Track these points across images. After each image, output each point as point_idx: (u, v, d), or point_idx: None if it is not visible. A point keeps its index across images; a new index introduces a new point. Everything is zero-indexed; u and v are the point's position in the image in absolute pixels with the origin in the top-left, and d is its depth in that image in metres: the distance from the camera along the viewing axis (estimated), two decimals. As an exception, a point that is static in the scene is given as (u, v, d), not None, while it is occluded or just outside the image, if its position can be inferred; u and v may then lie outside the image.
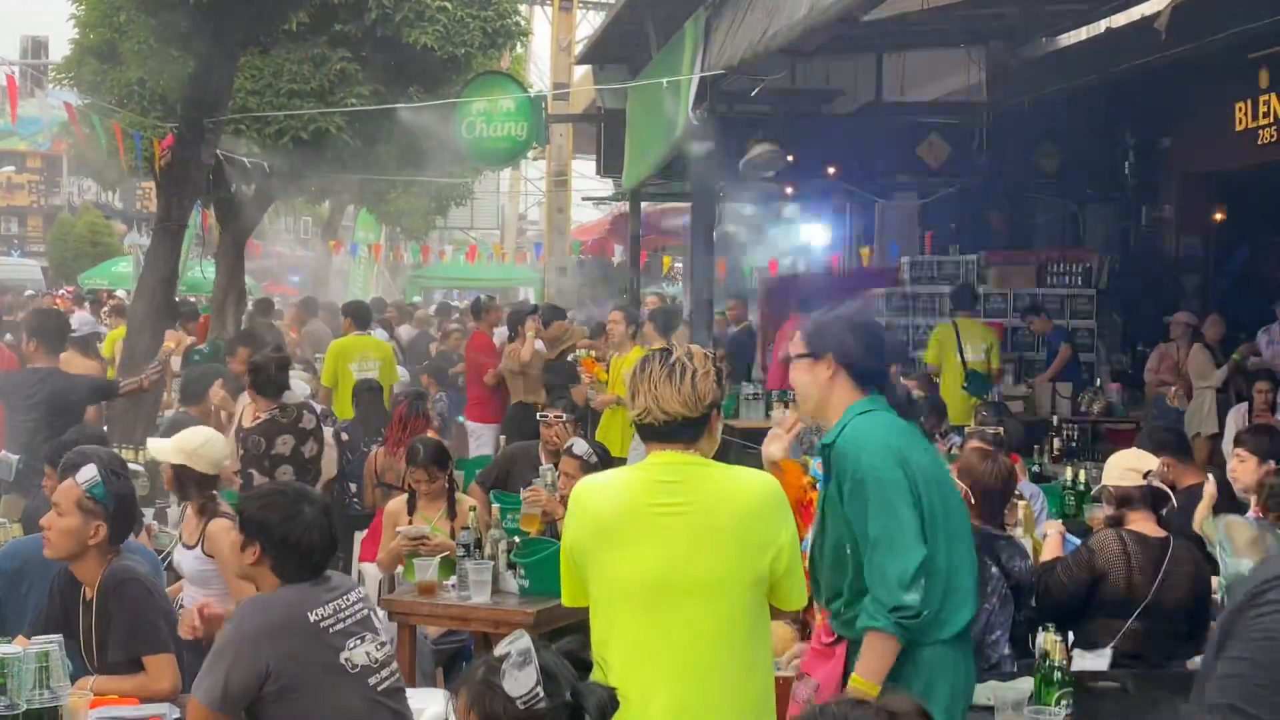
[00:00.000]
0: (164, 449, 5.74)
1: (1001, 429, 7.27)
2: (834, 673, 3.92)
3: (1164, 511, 5.42)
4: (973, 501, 4.93)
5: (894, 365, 4.29)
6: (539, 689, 2.62)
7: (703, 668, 3.48)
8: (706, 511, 3.52)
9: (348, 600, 4.05)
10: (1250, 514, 5.85)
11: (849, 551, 3.85)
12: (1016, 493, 6.56)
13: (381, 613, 6.69)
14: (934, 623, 3.77)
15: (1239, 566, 5.48)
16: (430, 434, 8.25)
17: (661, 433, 3.54)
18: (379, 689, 4.03)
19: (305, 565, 4.03)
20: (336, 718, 3.90)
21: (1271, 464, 6.35)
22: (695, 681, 3.47)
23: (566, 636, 3.02)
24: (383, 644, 4.08)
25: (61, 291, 27.52)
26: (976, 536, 4.81)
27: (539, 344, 11.75)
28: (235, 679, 3.81)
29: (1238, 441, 6.71)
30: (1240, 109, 12.05)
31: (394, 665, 4.16)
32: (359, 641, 3.99)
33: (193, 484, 5.64)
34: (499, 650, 2.72)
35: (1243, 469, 6.41)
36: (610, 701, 2.71)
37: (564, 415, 8.08)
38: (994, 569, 5.10)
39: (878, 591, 3.72)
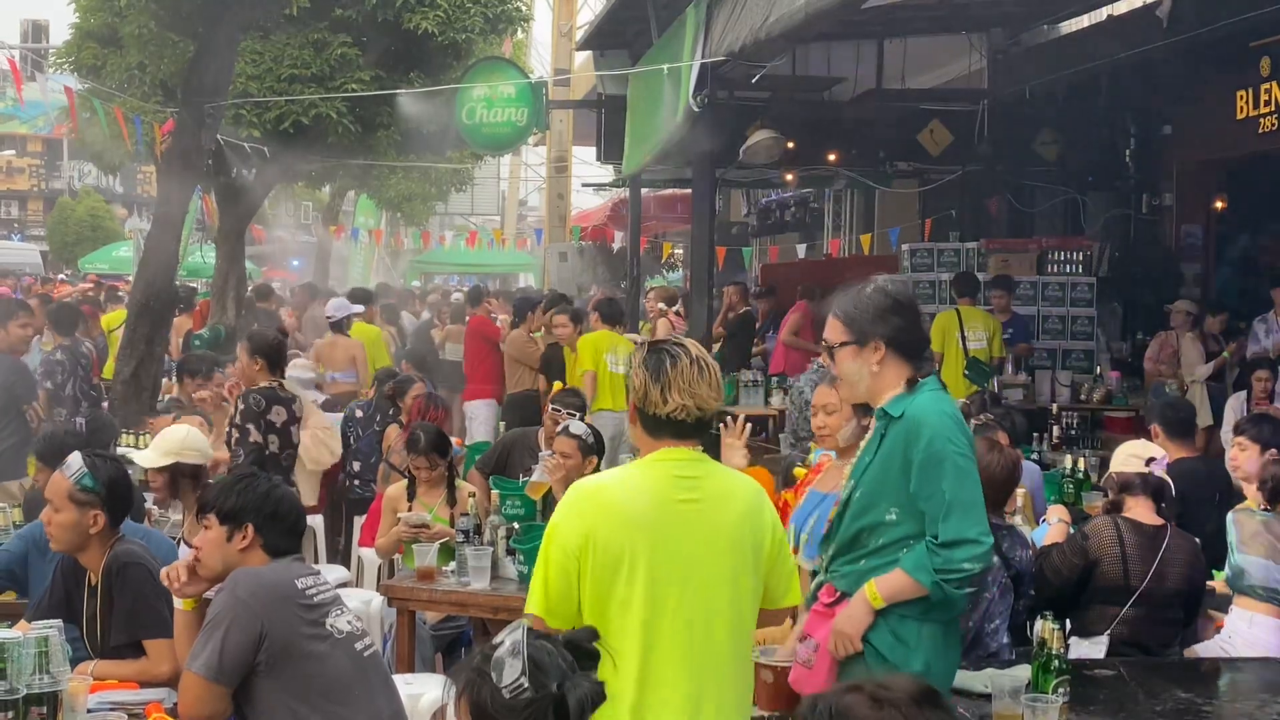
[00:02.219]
0: (149, 456, 5.77)
1: (1005, 437, 7.17)
2: (824, 631, 4.00)
3: (1163, 504, 5.43)
4: None
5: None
6: (524, 679, 2.64)
7: (719, 659, 3.50)
8: (719, 507, 3.53)
9: (320, 578, 4.17)
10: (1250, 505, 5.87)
11: (888, 517, 3.95)
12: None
13: (378, 598, 6.75)
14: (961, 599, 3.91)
15: (1244, 562, 5.52)
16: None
17: (687, 429, 3.51)
18: (364, 654, 4.10)
19: (293, 534, 4.18)
20: (329, 681, 3.95)
21: (1273, 452, 6.36)
22: (713, 672, 3.49)
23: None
24: (355, 621, 4.15)
25: (60, 276, 27.54)
26: None
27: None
28: (231, 645, 3.83)
29: (1238, 430, 6.72)
30: (1241, 97, 12.03)
31: (371, 639, 4.23)
32: (340, 611, 4.09)
33: (186, 479, 5.67)
34: (497, 639, 2.74)
35: (1244, 457, 6.44)
36: (595, 697, 2.72)
37: (565, 411, 8.09)
38: (994, 558, 5.10)
39: (941, 552, 3.83)
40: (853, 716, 2.12)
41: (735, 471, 3.77)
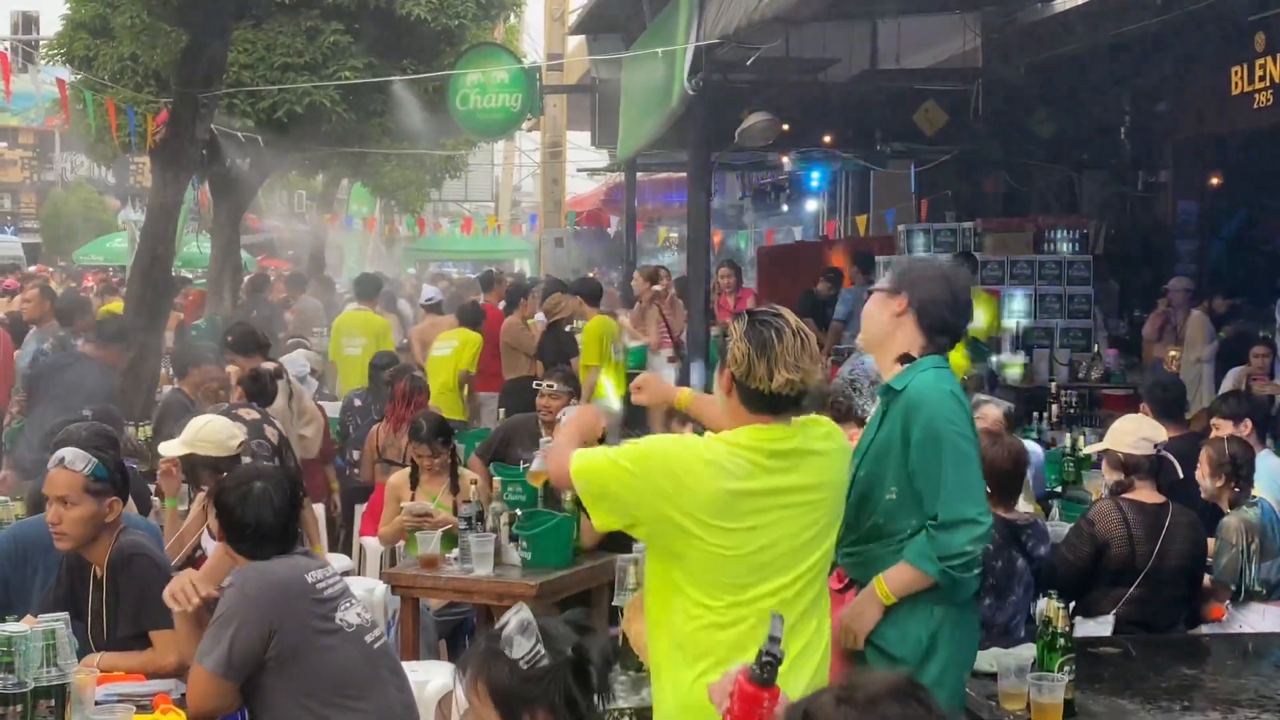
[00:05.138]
0: (170, 445, 5.81)
1: (1006, 421, 7.13)
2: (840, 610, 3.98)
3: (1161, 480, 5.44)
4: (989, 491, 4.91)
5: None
6: (539, 647, 2.66)
7: (815, 626, 3.52)
8: (811, 483, 3.51)
9: (329, 571, 4.17)
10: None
11: (890, 496, 3.91)
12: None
13: (381, 586, 6.75)
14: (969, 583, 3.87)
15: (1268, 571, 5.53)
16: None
17: (789, 404, 3.43)
18: (374, 646, 4.12)
19: (256, 542, 4.09)
20: (339, 675, 3.97)
21: (1247, 425, 6.40)
22: (818, 640, 3.52)
23: (569, 609, 3.04)
24: (364, 612, 4.16)
25: (51, 269, 27.42)
26: (1001, 528, 4.84)
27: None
28: (241, 642, 3.85)
29: (1212, 412, 6.74)
30: (1236, 73, 12.02)
31: (380, 629, 4.24)
32: (349, 604, 4.10)
33: (206, 470, 5.67)
34: (500, 623, 2.76)
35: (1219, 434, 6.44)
36: (613, 650, 2.76)
37: (555, 385, 8.08)
38: (1020, 561, 5.12)
39: (941, 536, 3.79)
40: (819, 717, 2.14)
41: (820, 423, 3.61)
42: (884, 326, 4.07)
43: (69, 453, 4.58)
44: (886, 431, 3.96)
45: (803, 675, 3.42)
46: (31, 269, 25.21)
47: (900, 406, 3.91)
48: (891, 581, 3.86)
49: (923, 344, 4.01)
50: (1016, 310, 13.01)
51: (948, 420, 3.85)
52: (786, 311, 3.52)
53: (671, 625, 3.43)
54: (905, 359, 4.02)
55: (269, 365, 8.23)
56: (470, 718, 2.78)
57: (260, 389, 7.69)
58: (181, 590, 4.18)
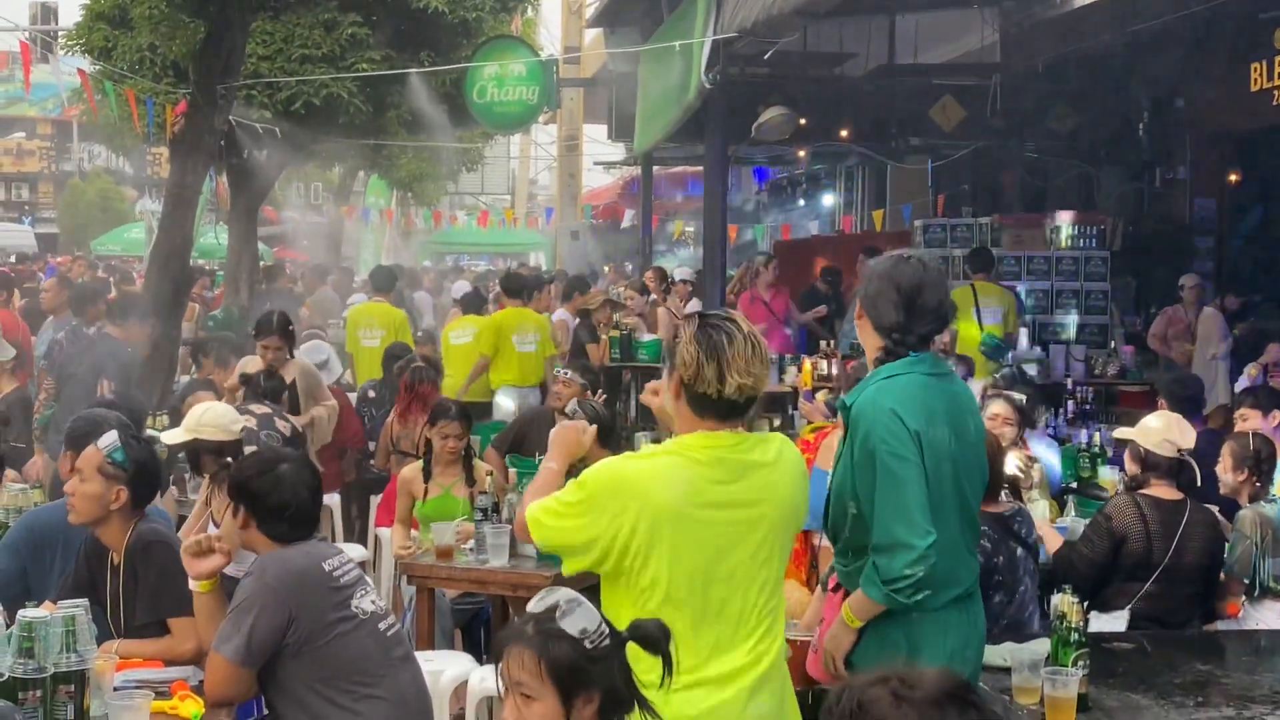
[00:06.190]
0: (173, 433, 5.85)
1: (1018, 414, 7.12)
2: (834, 619, 3.98)
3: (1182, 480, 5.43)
4: None
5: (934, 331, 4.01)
6: (603, 625, 2.66)
7: (776, 630, 3.47)
8: (763, 493, 3.42)
9: (345, 558, 4.18)
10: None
11: (852, 511, 3.83)
12: (1028, 456, 6.58)
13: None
14: (931, 595, 3.74)
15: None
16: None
17: (738, 410, 3.35)
18: (388, 634, 4.15)
19: (290, 523, 4.12)
20: (354, 662, 4.00)
21: (1276, 416, 6.39)
22: (780, 660, 3.46)
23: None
24: (378, 600, 4.19)
25: (73, 257, 27.49)
26: (992, 523, 4.83)
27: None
28: (260, 630, 3.88)
29: (1237, 405, 6.73)
30: (1255, 70, 11.99)
31: (393, 617, 4.27)
32: (364, 592, 4.12)
33: (210, 455, 5.71)
34: (536, 607, 2.74)
35: (1248, 428, 6.43)
36: (665, 629, 2.76)
37: (570, 374, 8.11)
38: (1019, 551, 5.11)
39: (880, 560, 3.69)
40: (874, 711, 2.06)
41: (770, 440, 3.53)
42: (860, 333, 4.03)
43: (108, 433, 4.63)
44: (845, 447, 3.88)
45: (769, 693, 3.37)
46: (58, 259, 25.28)
47: (851, 423, 3.83)
48: (855, 607, 3.81)
49: (878, 346, 3.90)
50: (1033, 306, 13.00)
51: (881, 440, 3.71)
52: (739, 315, 3.45)
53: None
54: (874, 364, 3.92)
55: (253, 368, 8.26)
56: (514, 707, 2.74)
57: (257, 389, 7.75)
58: (196, 544, 4.19)
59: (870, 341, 3.96)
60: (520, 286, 11.96)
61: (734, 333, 3.32)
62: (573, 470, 3.59)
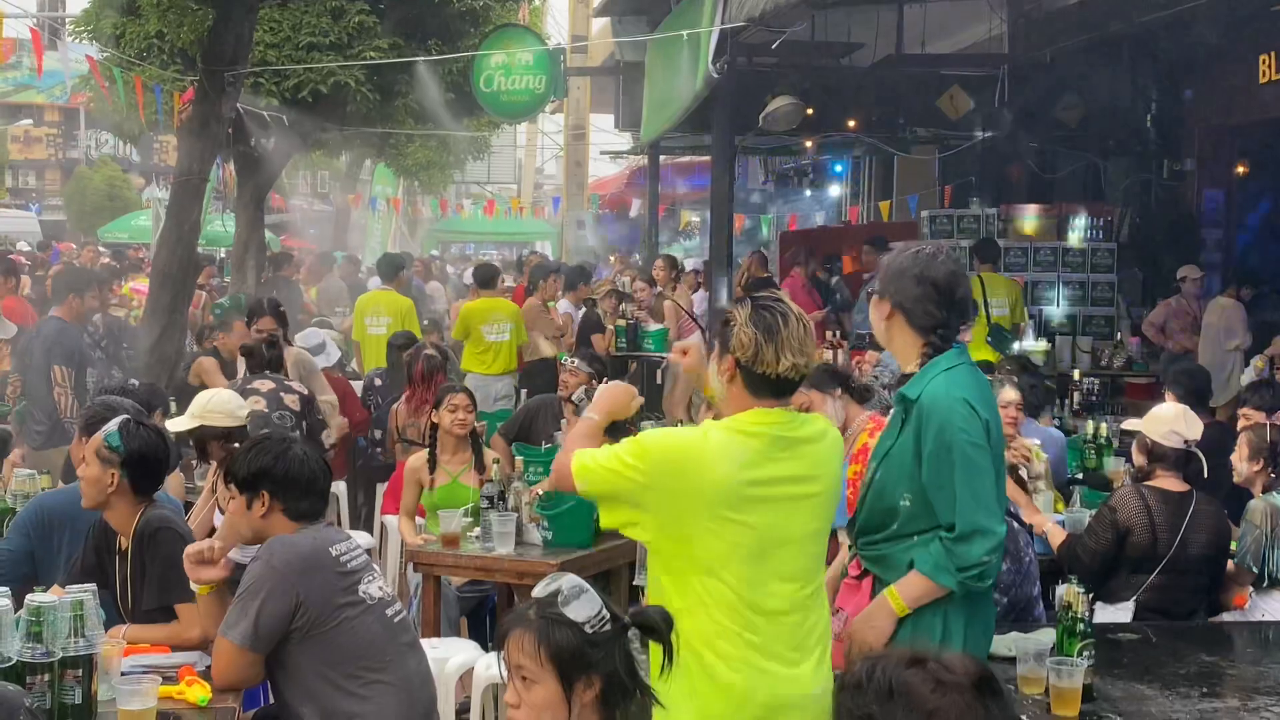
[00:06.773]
0: (179, 421, 5.86)
1: (1014, 392, 7.12)
2: (861, 606, 3.97)
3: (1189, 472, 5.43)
4: None
5: (964, 323, 4.05)
6: (605, 611, 2.67)
7: (818, 614, 3.58)
8: (816, 467, 3.57)
9: (352, 544, 4.20)
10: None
11: (904, 503, 3.84)
12: (1032, 443, 6.58)
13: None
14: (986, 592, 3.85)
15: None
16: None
17: (790, 387, 3.51)
18: (395, 620, 4.17)
19: (311, 495, 4.18)
20: (361, 647, 4.01)
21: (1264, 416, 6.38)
22: (820, 628, 3.58)
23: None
24: (385, 585, 4.22)
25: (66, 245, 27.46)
26: None
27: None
28: (267, 614, 3.90)
29: (1241, 402, 6.72)
30: (1264, 62, 11.96)
31: (400, 604, 4.29)
32: (371, 577, 4.15)
33: (216, 440, 5.73)
34: (540, 592, 2.75)
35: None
36: (668, 615, 2.78)
37: (576, 363, 8.12)
38: (1016, 524, 5.12)
39: (957, 547, 3.70)
40: (913, 695, 1.98)
41: (814, 418, 3.70)
42: (882, 331, 4.03)
43: (111, 420, 4.65)
44: (903, 439, 3.88)
45: (821, 673, 3.49)
46: (63, 246, 25.24)
47: (914, 416, 3.84)
48: (906, 594, 3.79)
49: (921, 344, 3.92)
50: (1039, 297, 12.98)
51: (959, 430, 3.75)
52: (786, 296, 3.62)
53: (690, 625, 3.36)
54: (922, 359, 3.93)
55: (262, 334, 8.28)
56: (516, 693, 2.75)
57: (259, 359, 7.77)
58: (199, 552, 4.20)
59: (907, 339, 3.95)
60: (491, 277, 12.37)
61: (787, 313, 3.49)
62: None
